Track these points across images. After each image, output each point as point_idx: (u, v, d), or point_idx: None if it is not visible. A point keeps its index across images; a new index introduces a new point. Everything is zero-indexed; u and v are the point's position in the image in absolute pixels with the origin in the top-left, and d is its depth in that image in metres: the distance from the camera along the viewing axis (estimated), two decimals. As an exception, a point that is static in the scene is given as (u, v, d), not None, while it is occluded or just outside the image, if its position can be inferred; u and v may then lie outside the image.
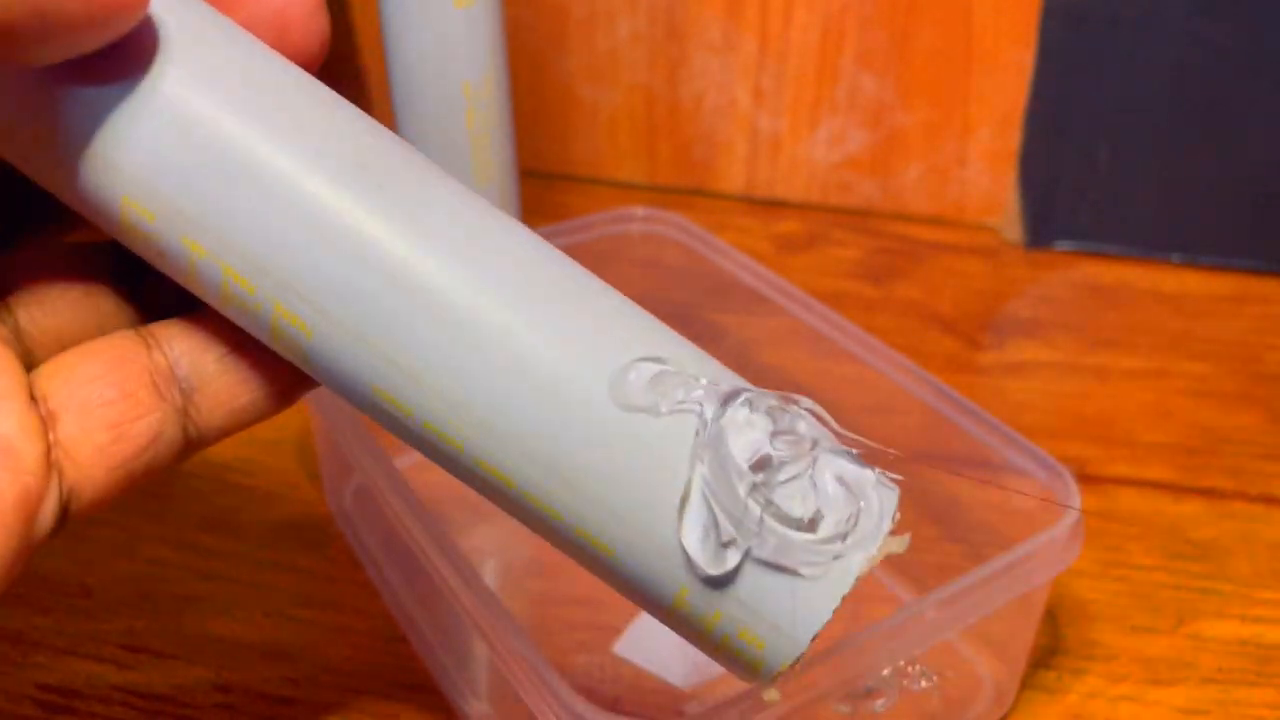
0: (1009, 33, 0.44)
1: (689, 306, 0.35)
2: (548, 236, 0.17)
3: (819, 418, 0.16)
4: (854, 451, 0.17)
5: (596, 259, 0.18)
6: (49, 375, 0.16)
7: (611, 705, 0.25)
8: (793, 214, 0.49)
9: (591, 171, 0.51)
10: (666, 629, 0.17)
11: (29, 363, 0.16)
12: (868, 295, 0.43)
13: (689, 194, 0.50)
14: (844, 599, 0.16)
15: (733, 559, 0.15)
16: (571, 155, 0.51)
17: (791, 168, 0.49)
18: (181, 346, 0.17)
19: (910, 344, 0.40)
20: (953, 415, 0.28)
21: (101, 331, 0.17)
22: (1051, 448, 0.26)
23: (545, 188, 0.51)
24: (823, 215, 0.48)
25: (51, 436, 0.15)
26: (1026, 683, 0.27)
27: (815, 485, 0.16)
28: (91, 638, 0.29)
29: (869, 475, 0.16)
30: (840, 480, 0.16)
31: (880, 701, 0.25)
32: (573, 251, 0.17)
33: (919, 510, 0.30)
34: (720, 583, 0.16)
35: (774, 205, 0.49)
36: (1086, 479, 0.34)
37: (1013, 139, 0.45)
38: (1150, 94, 0.43)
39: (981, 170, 0.47)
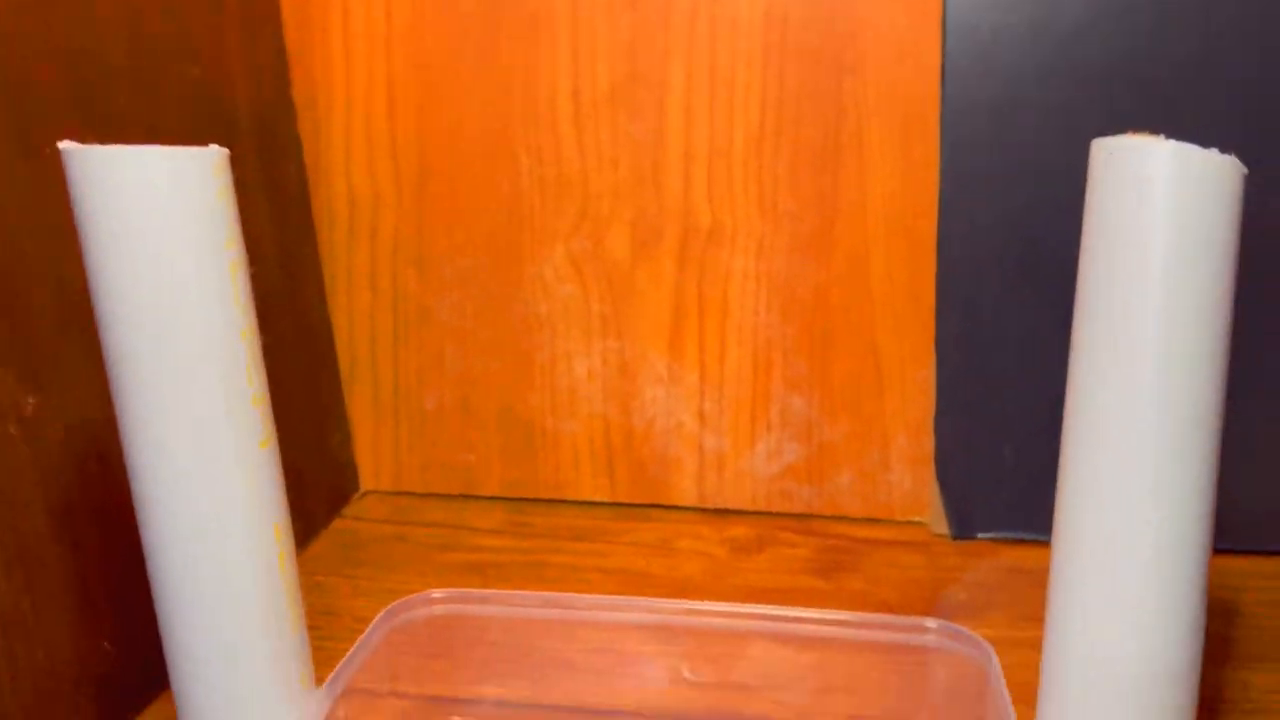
0: (910, 356, 0.51)
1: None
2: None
3: None
4: None
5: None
6: None
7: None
8: (742, 521, 0.54)
9: (557, 493, 0.56)
10: None
11: None
12: (819, 588, 0.47)
13: (646, 508, 0.55)
14: None
15: None
16: (539, 480, 0.56)
17: (737, 480, 0.54)
18: None
19: (863, 631, 0.44)
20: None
21: None
22: None
23: (516, 511, 0.55)
24: (769, 520, 0.53)
25: None
26: None
27: None
28: None
29: None
30: None
31: None
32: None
33: None
34: None
35: (724, 514, 0.54)
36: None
37: (927, 445, 0.52)
38: (1043, 394, 0.50)
39: (904, 474, 0.53)
